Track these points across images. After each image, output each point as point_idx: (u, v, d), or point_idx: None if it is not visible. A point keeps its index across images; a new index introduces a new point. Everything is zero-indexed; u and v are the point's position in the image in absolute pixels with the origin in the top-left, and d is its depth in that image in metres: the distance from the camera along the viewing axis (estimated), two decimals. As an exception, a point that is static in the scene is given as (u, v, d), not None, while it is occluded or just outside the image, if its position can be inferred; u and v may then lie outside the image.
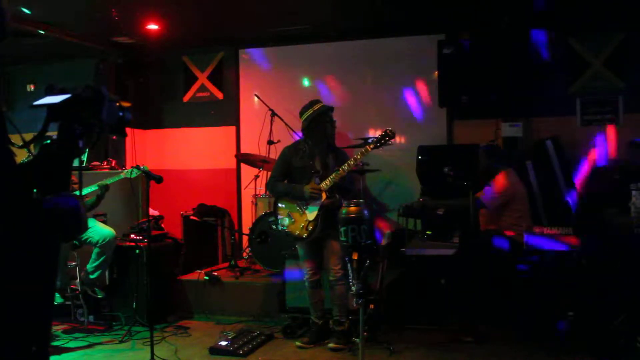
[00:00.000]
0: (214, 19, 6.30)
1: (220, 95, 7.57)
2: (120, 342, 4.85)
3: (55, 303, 4.83)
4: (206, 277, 5.70)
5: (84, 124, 1.74)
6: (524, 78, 6.03)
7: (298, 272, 4.89)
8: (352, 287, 3.71)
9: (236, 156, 6.98)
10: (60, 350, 4.62)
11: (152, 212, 5.67)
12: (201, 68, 7.62)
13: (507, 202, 5.18)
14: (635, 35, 6.13)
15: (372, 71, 6.92)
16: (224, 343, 4.53)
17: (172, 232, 6.09)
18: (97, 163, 6.23)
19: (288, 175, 4.69)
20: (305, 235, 4.52)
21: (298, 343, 4.64)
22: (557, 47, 6.27)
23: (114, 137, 6.66)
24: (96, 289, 5.12)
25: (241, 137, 7.40)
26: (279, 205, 4.69)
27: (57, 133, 1.74)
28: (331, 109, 4.69)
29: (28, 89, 7.63)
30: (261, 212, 5.98)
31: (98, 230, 5.03)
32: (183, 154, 7.66)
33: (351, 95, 6.86)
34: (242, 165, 7.16)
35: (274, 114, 6.43)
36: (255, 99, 7.04)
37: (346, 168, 4.42)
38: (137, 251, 5.34)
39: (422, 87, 6.71)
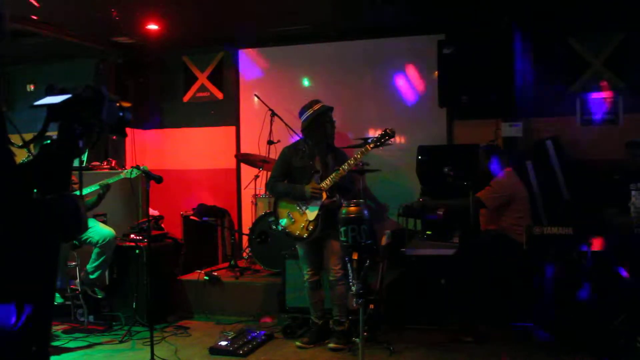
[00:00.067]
0: (214, 19, 6.29)
1: (220, 95, 7.56)
2: (120, 342, 4.86)
3: (55, 303, 4.82)
4: (206, 277, 5.71)
5: (84, 124, 1.74)
6: (524, 78, 6.02)
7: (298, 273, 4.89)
8: (352, 287, 3.71)
9: (236, 156, 6.98)
10: (60, 350, 4.62)
11: (152, 212, 5.66)
12: (201, 68, 7.61)
13: (507, 202, 5.19)
14: (635, 35, 6.12)
15: (372, 71, 6.90)
16: (224, 343, 4.53)
17: (172, 232, 6.09)
18: (97, 163, 6.24)
19: (288, 176, 4.69)
20: (305, 235, 4.51)
21: (298, 343, 4.64)
22: (557, 47, 6.27)
23: (114, 137, 6.65)
24: (96, 289, 5.12)
25: (241, 137, 7.39)
26: (279, 205, 4.69)
27: (57, 133, 1.74)
28: (331, 109, 4.69)
29: (28, 89, 7.63)
30: (261, 212, 5.99)
31: (98, 230, 5.04)
32: (183, 154, 7.65)
33: (351, 95, 6.84)
34: (242, 165, 7.15)
35: (273, 114, 6.43)
36: (255, 99, 7.03)
37: (346, 167, 4.42)
38: (137, 251, 5.35)
39: (422, 87, 6.70)
